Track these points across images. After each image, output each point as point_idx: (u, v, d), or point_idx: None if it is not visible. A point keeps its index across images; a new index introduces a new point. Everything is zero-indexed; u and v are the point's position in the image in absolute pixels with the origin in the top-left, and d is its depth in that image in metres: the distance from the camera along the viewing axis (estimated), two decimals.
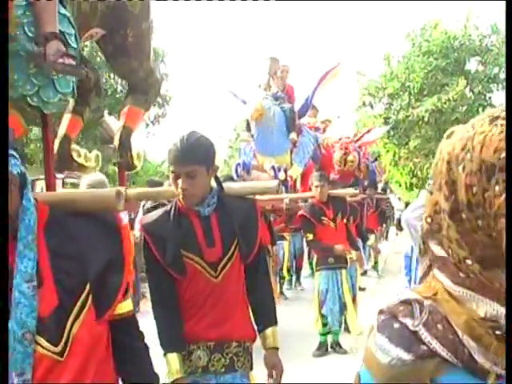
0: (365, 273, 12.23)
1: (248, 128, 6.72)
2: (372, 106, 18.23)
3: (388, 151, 18.11)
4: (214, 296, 2.24)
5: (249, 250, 2.27)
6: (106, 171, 18.41)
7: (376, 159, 13.49)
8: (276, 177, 5.88)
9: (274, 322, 2.38)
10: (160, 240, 2.20)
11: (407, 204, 27.85)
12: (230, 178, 5.76)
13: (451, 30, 17.85)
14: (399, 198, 25.62)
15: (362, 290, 10.61)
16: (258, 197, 3.71)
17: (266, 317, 2.37)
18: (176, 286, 2.26)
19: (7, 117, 1.35)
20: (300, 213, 5.62)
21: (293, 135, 6.68)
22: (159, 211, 2.33)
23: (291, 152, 6.79)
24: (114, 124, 3.79)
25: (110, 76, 18.45)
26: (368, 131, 12.07)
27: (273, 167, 6.08)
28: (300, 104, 7.32)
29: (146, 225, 2.31)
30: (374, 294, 8.95)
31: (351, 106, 18.38)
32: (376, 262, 13.05)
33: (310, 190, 5.84)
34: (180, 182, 2.11)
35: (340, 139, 9.43)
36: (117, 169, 3.45)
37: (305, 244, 7.41)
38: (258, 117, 6.27)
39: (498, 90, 17.77)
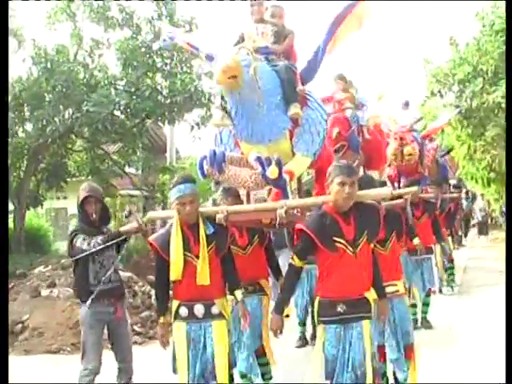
0: (439, 291, 9.91)
1: (224, 103, 3.94)
2: (442, 95, 15.88)
3: (462, 144, 15.62)
4: None
5: None
6: (155, 182, 17.03)
7: (448, 152, 11.30)
8: (264, 173, 3.72)
9: None
10: None
11: (488, 202, 25.36)
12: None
13: None
14: (482, 195, 23.26)
15: (427, 327, 8.01)
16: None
17: None
18: None
19: (7, 117, 0.83)
20: (298, 226, 3.46)
21: (294, 108, 3.94)
22: None
23: (291, 135, 4.03)
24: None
25: (147, 74, 16.95)
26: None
27: (258, 159, 3.72)
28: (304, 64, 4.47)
29: None
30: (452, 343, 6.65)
31: (415, 90, 16.24)
32: (450, 274, 10.73)
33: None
34: None
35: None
36: None
37: None
38: (230, 81, 3.58)
39: None
